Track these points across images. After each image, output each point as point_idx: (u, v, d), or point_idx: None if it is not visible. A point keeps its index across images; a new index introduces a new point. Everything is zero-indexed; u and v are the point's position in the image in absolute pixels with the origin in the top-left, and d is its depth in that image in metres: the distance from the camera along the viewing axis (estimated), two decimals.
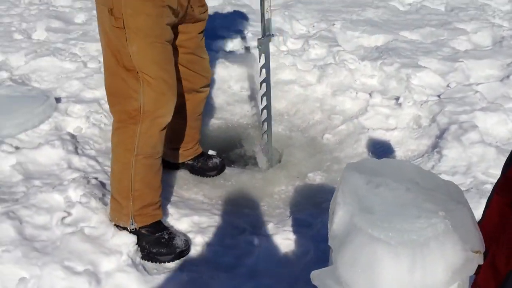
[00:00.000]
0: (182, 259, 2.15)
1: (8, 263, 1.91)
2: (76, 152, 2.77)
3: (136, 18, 2.00)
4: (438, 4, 5.79)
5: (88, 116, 3.16)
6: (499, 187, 1.24)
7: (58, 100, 3.32)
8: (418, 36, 4.61)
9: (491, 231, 1.20)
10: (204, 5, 2.41)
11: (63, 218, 2.13)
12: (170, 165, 2.85)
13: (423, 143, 2.95)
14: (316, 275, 1.37)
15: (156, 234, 2.19)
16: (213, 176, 2.84)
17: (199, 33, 2.45)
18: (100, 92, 3.51)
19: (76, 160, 2.68)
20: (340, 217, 1.31)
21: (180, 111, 2.59)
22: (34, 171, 2.57)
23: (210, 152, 3.07)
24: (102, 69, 3.86)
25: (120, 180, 2.18)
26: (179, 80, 2.45)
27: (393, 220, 1.19)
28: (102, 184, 2.47)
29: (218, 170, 2.87)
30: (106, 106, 3.32)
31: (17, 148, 2.72)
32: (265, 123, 2.91)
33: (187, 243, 2.21)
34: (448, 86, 3.55)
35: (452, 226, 1.16)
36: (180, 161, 2.85)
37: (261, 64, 2.78)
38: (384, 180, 1.33)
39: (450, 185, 1.34)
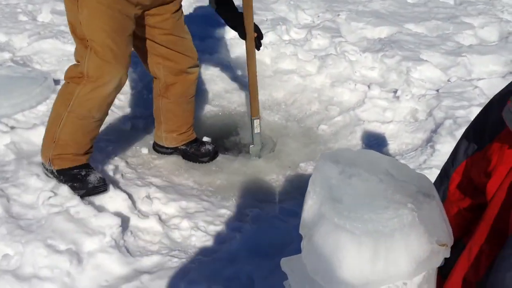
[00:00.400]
0: (167, 242, 2.17)
1: None
2: None
3: None
4: None
5: None
6: (454, 186, 1.23)
7: (57, 82, 3.35)
8: (423, 29, 4.57)
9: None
10: None
11: (50, 197, 2.16)
12: (163, 149, 2.87)
13: (418, 137, 2.94)
14: (284, 262, 1.38)
15: (75, 170, 2.33)
16: (205, 162, 2.86)
17: (173, 13, 2.46)
18: None
19: None
20: (309, 206, 1.31)
21: (170, 92, 2.68)
22: (27, 150, 2.60)
23: (205, 138, 3.08)
24: None
25: (51, 124, 2.33)
26: (163, 61, 2.54)
27: (361, 210, 1.18)
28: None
29: (211, 156, 2.88)
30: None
31: (12, 127, 2.75)
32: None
33: (102, 181, 2.32)
34: (448, 80, 3.52)
35: (419, 218, 1.16)
36: (174, 145, 2.87)
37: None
38: (358, 170, 1.32)
39: (423, 178, 1.33)
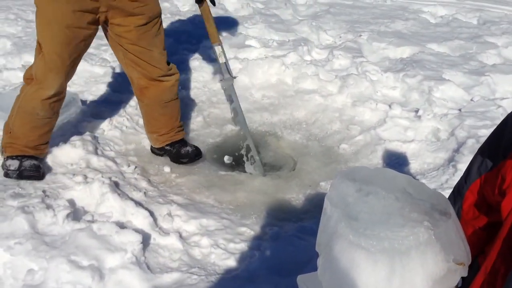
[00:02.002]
0: (187, 260, 2.19)
1: (19, 255, 2.00)
2: (96, 153, 2.86)
3: (42, 0, 2.38)
4: (471, 17, 5.70)
5: (111, 119, 3.26)
6: (468, 204, 1.22)
7: (84, 102, 3.45)
8: (445, 49, 4.55)
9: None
10: (137, 0, 2.53)
11: (74, 214, 2.22)
12: (154, 149, 3.04)
13: (440, 156, 2.91)
14: (301, 280, 1.39)
15: (18, 157, 2.57)
16: (185, 163, 2.96)
17: (138, 26, 2.58)
18: (125, 96, 3.62)
19: (95, 160, 2.78)
20: (325, 224, 1.32)
21: (144, 95, 2.84)
22: (53, 169, 2.67)
23: (226, 157, 3.12)
24: None
25: (9, 117, 2.63)
26: (135, 66, 2.70)
27: (377, 228, 1.19)
28: (116, 184, 2.54)
29: (190, 158, 2.98)
30: (129, 110, 3.43)
31: None
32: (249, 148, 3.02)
33: (34, 167, 2.53)
34: (471, 100, 3.49)
35: (435, 236, 1.15)
36: (158, 145, 3.01)
37: (231, 105, 2.95)
38: (374, 188, 1.33)
39: (439, 196, 1.33)
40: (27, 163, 2.55)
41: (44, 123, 2.60)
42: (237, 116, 2.94)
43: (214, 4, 2.94)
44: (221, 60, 2.82)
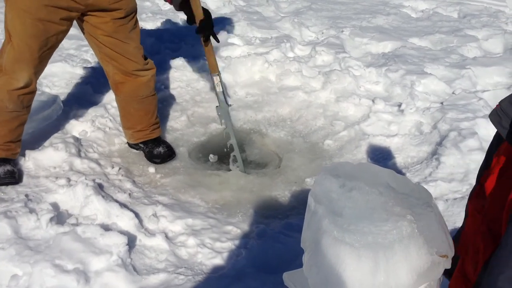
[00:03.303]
0: (173, 260, 2.18)
1: (2, 260, 1.97)
2: (79, 155, 2.83)
3: None
4: (451, 11, 5.75)
5: (94, 120, 3.23)
6: (474, 195, 1.25)
7: (65, 104, 3.40)
8: (427, 43, 4.59)
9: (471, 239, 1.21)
10: None
11: (58, 218, 2.19)
12: (131, 144, 3.05)
13: (423, 149, 2.94)
14: (287, 276, 1.40)
15: None
16: (157, 163, 2.96)
17: (115, 19, 2.59)
18: (108, 97, 3.58)
19: (78, 163, 2.75)
20: (309, 220, 1.33)
21: (119, 90, 2.85)
22: (35, 172, 2.64)
23: (211, 156, 3.11)
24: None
25: None
26: (110, 60, 2.70)
27: (360, 223, 1.20)
28: (100, 186, 2.52)
29: (162, 158, 2.98)
30: (112, 111, 3.40)
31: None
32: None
33: (9, 174, 2.51)
34: (453, 93, 3.53)
35: (418, 230, 1.17)
36: (132, 142, 3.02)
37: (224, 128, 2.99)
38: (358, 184, 1.34)
39: (422, 190, 1.34)
40: (1, 170, 2.52)
41: (13, 117, 2.55)
42: (229, 140, 2.99)
43: (218, 41, 2.94)
44: (219, 89, 2.89)
